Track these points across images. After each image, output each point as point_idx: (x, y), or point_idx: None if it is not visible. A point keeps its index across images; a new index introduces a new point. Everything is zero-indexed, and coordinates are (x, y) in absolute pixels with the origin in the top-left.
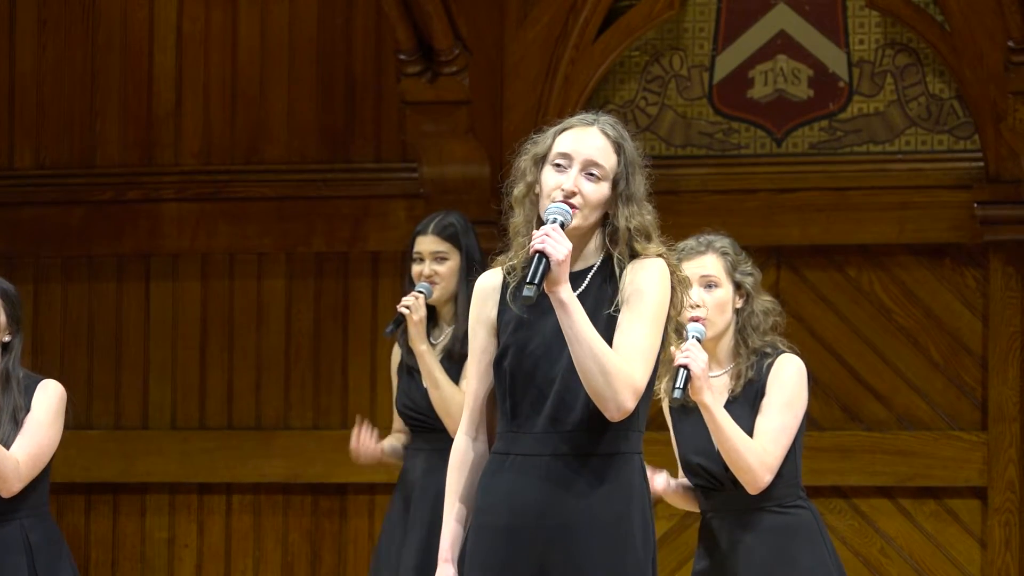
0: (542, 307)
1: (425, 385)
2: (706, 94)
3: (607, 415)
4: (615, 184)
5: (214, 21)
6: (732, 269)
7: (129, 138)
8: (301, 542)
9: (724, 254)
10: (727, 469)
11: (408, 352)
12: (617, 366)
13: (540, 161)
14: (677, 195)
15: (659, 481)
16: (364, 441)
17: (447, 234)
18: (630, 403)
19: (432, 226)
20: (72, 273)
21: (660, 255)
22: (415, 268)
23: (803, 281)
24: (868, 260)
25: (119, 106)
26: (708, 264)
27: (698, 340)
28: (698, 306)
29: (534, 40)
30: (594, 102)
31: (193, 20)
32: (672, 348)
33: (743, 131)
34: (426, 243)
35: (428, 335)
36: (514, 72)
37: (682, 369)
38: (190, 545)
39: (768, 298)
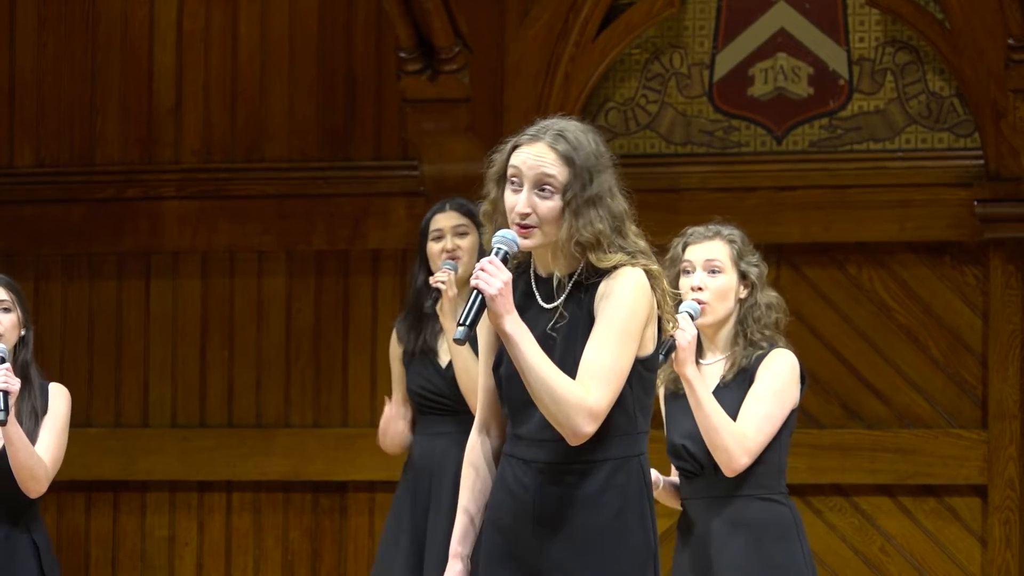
0: (534, 314)
1: (453, 363)
2: (706, 92)
3: (566, 440)
4: (564, 195)
5: (214, 19)
6: (738, 258)
7: (129, 136)
8: (301, 540)
9: (731, 242)
10: (709, 453)
11: (409, 331)
12: (567, 392)
13: (500, 180)
14: (677, 193)
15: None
16: (396, 413)
17: (465, 210)
18: (586, 427)
19: (450, 204)
20: (72, 271)
21: (625, 263)
22: (435, 246)
23: (803, 279)
24: (868, 258)
25: (119, 104)
26: (714, 249)
27: (691, 316)
28: (700, 288)
29: (534, 38)
30: (594, 100)
31: (193, 18)
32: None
33: (743, 129)
34: (446, 219)
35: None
36: (514, 70)
37: (669, 338)
38: (190, 543)
39: (774, 293)
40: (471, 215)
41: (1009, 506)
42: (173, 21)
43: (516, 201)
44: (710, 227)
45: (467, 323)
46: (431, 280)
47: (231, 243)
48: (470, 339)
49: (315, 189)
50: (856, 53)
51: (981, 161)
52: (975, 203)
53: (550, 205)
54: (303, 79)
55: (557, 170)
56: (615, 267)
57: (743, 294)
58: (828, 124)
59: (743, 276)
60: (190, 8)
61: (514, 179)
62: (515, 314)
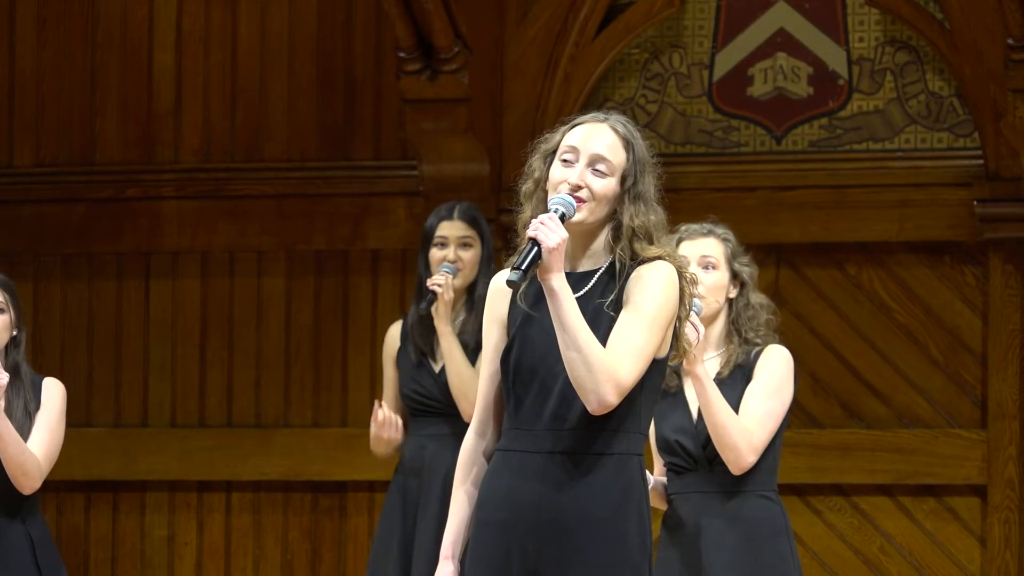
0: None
1: (446, 366)
2: (706, 92)
3: (588, 408)
4: (623, 181)
5: (214, 19)
6: (732, 257)
7: (129, 136)
8: (301, 540)
9: (726, 240)
10: (704, 448)
11: (422, 335)
12: (601, 359)
13: (549, 157)
14: (677, 193)
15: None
16: (389, 423)
17: (473, 221)
18: (611, 397)
19: (458, 212)
20: (72, 271)
21: (663, 257)
22: (437, 252)
23: (803, 279)
24: (868, 258)
25: (119, 104)
26: (709, 246)
27: (695, 314)
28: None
29: (534, 38)
30: (594, 100)
31: (193, 17)
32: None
33: (743, 129)
34: (453, 228)
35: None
36: (514, 70)
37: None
38: (190, 543)
39: (762, 295)
40: (477, 225)
41: (1009, 506)
42: (173, 21)
43: (568, 174)
44: (704, 225)
45: (522, 268)
46: (428, 283)
47: (231, 243)
48: (469, 343)
49: (315, 189)
50: (856, 53)
51: (981, 161)
52: (975, 203)
53: (604, 184)
54: (303, 79)
55: (617, 152)
56: (654, 258)
57: (733, 293)
58: (828, 124)
59: (734, 275)
60: (190, 8)
61: (567, 156)
62: (563, 273)
